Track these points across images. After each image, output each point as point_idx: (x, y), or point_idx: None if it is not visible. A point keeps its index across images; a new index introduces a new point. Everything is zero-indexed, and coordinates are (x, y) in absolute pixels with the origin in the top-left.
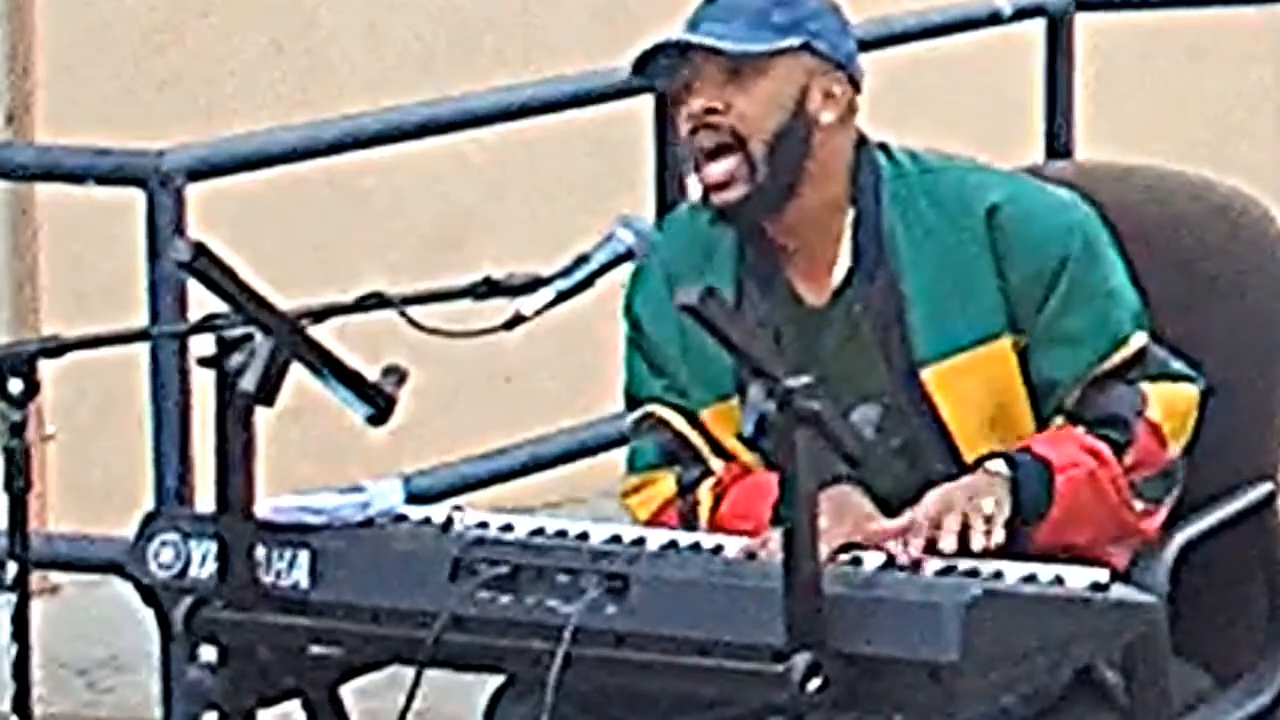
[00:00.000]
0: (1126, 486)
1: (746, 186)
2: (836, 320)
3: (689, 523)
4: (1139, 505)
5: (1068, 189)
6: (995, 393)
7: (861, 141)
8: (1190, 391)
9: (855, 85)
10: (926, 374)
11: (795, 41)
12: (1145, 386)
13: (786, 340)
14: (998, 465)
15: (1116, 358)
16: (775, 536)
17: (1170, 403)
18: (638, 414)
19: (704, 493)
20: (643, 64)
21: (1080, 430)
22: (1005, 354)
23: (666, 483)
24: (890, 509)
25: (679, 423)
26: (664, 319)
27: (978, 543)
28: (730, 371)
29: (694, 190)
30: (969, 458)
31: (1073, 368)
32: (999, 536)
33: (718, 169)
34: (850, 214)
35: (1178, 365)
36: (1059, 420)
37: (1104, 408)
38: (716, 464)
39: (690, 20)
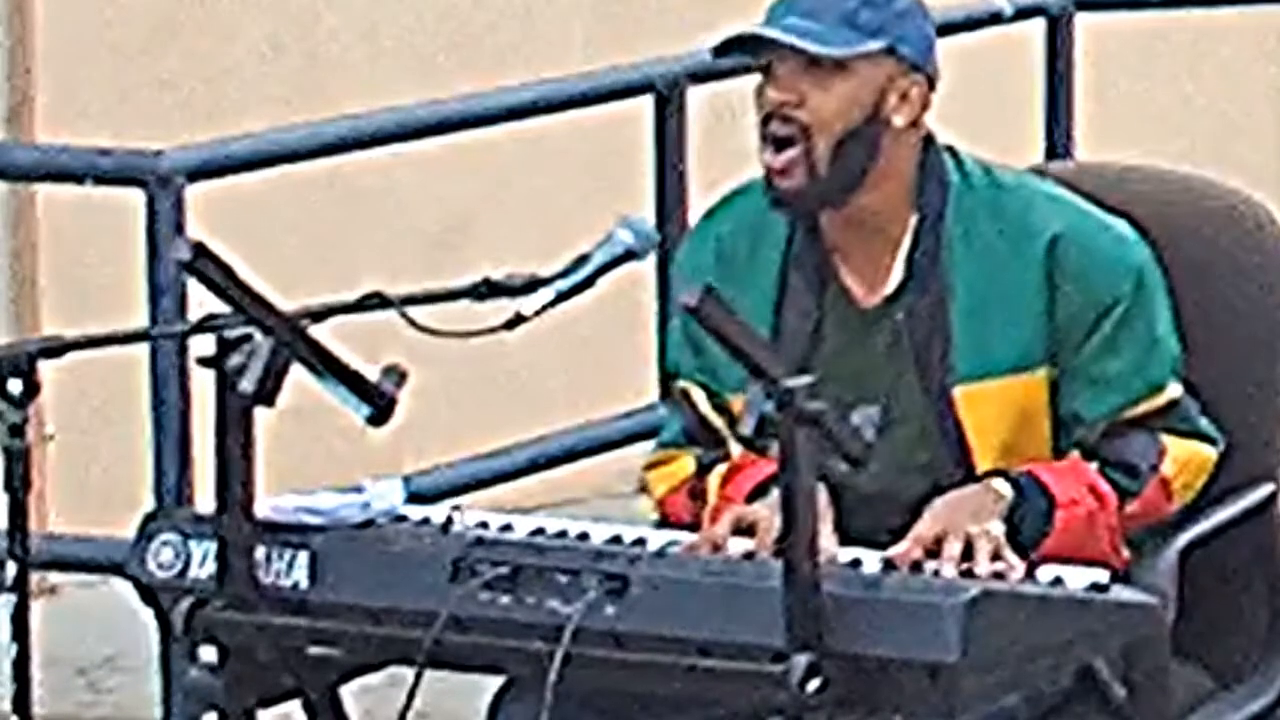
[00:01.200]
0: (1120, 533)
1: (804, 179)
2: (884, 326)
3: (697, 503)
4: (1125, 552)
5: (1070, 189)
6: (1021, 421)
7: (929, 140)
8: (1208, 453)
9: (932, 83)
10: (958, 392)
11: (879, 45)
12: (1165, 439)
13: (829, 338)
14: (1001, 486)
15: (1146, 405)
16: (713, 532)
17: (1186, 461)
18: (675, 389)
19: (713, 476)
20: (723, 49)
21: (1092, 467)
22: (1039, 385)
23: (686, 461)
24: (902, 521)
25: (704, 404)
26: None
27: (984, 568)
28: None
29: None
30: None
31: (1101, 408)
32: (1016, 562)
33: (778, 159)
34: (913, 221)
35: (1204, 423)
36: (1074, 454)
37: (1121, 452)
38: (737, 449)
39: (776, 5)
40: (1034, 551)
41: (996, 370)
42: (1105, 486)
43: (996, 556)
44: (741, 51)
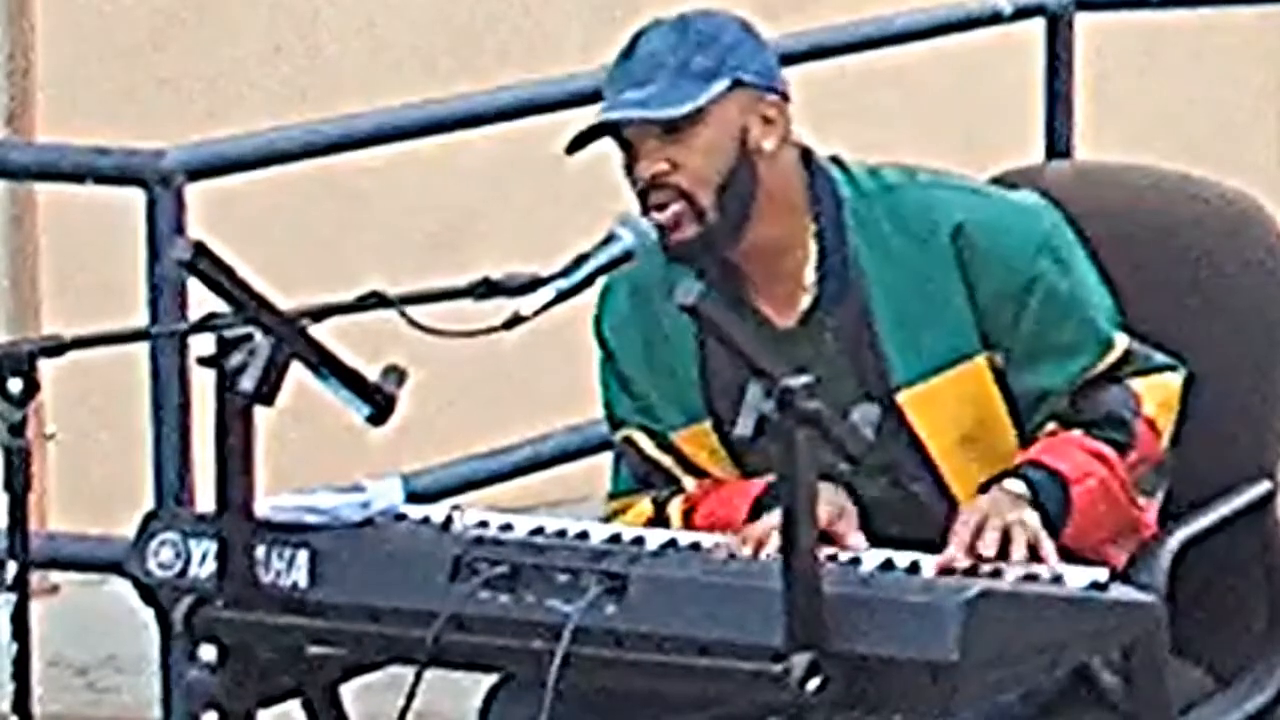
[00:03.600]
0: (1132, 485)
1: (696, 228)
2: (806, 343)
3: None
4: (1141, 500)
5: (1034, 190)
6: (972, 410)
7: (807, 155)
8: (1175, 381)
9: (786, 98)
10: (902, 397)
11: (723, 85)
12: (1135, 383)
13: None
14: (1015, 485)
15: (1106, 361)
16: (756, 528)
17: (1160, 397)
18: (617, 436)
19: (674, 510)
20: (576, 146)
21: (1079, 434)
22: (980, 372)
23: (644, 506)
24: (871, 527)
25: (649, 447)
26: (631, 341)
27: (1019, 555)
28: (699, 393)
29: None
30: (947, 475)
31: (1064, 376)
32: (1051, 554)
33: (665, 214)
34: (813, 237)
35: (1160, 357)
36: (1051, 426)
37: (1100, 409)
38: (690, 483)
39: (610, 84)
40: (1063, 533)
41: (934, 368)
42: (1103, 447)
43: (1033, 551)
44: (595, 137)
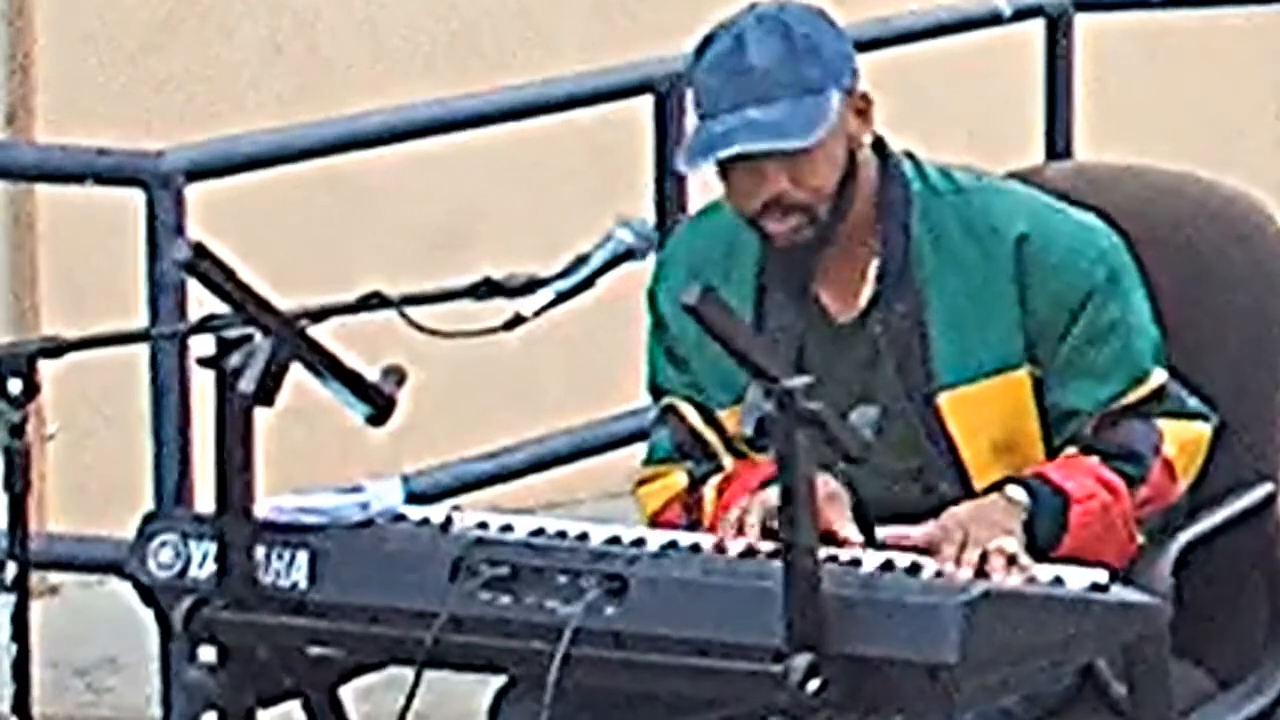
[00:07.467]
0: (1134, 521)
1: (811, 231)
2: (862, 338)
3: (693, 517)
4: (1140, 539)
5: (1068, 196)
6: (1009, 420)
7: (880, 145)
8: (1203, 430)
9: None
10: (943, 399)
11: (837, 98)
12: (1161, 423)
13: (810, 354)
14: (1017, 493)
15: (1137, 394)
16: (734, 510)
17: (1184, 441)
18: (660, 405)
19: (708, 489)
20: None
21: (1095, 461)
22: (1022, 384)
23: (678, 476)
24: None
25: (694, 418)
26: (686, 319)
27: (998, 580)
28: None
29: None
30: (978, 482)
31: (1093, 400)
32: (1026, 572)
33: (783, 226)
34: (880, 230)
35: (1193, 403)
36: (1072, 449)
37: (1121, 441)
38: (729, 461)
39: (722, 95)
40: (1054, 550)
41: (979, 374)
42: (1114, 477)
43: (1013, 562)
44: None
